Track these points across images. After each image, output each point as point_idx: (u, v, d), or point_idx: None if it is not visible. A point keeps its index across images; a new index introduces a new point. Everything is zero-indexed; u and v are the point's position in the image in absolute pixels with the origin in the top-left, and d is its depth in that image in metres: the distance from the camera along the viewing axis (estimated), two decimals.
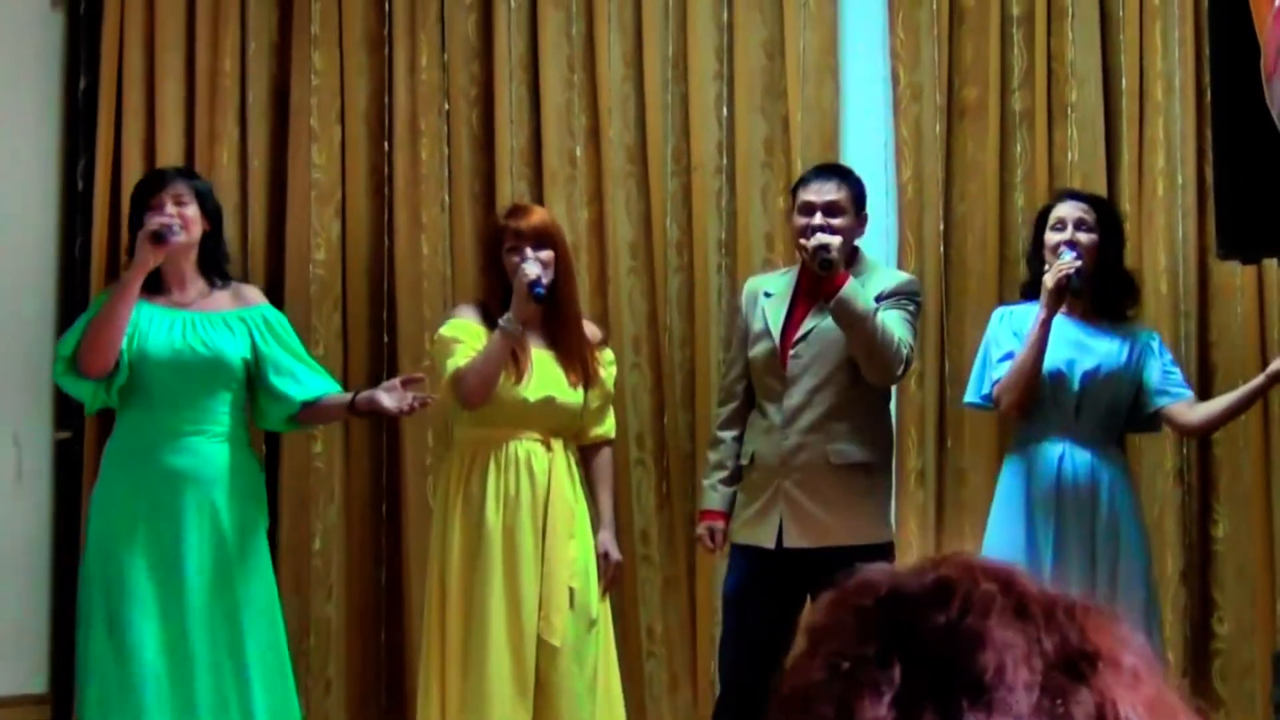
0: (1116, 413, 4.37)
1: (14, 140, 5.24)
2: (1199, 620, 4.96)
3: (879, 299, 4.30)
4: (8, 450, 5.14)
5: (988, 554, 4.24)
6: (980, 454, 5.00)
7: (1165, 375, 4.40)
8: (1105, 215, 4.42)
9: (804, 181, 4.40)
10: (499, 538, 4.26)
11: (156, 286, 4.28)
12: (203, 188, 4.37)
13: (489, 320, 4.34)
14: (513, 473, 4.28)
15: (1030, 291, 4.40)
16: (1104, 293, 4.40)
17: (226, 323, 4.31)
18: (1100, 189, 4.97)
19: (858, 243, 4.39)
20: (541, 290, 4.21)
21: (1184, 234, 5.00)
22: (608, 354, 4.54)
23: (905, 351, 4.29)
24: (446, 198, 5.26)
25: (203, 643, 4.18)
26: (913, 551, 4.99)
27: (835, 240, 4.23)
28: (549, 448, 4.32)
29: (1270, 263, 4.83)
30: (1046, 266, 4.29)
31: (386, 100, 5.31)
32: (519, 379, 4.29)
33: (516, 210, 4.46)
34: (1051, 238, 4.35)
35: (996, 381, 4.35)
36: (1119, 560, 4.29)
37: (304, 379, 4.37)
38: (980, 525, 4.95)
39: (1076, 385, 4.33)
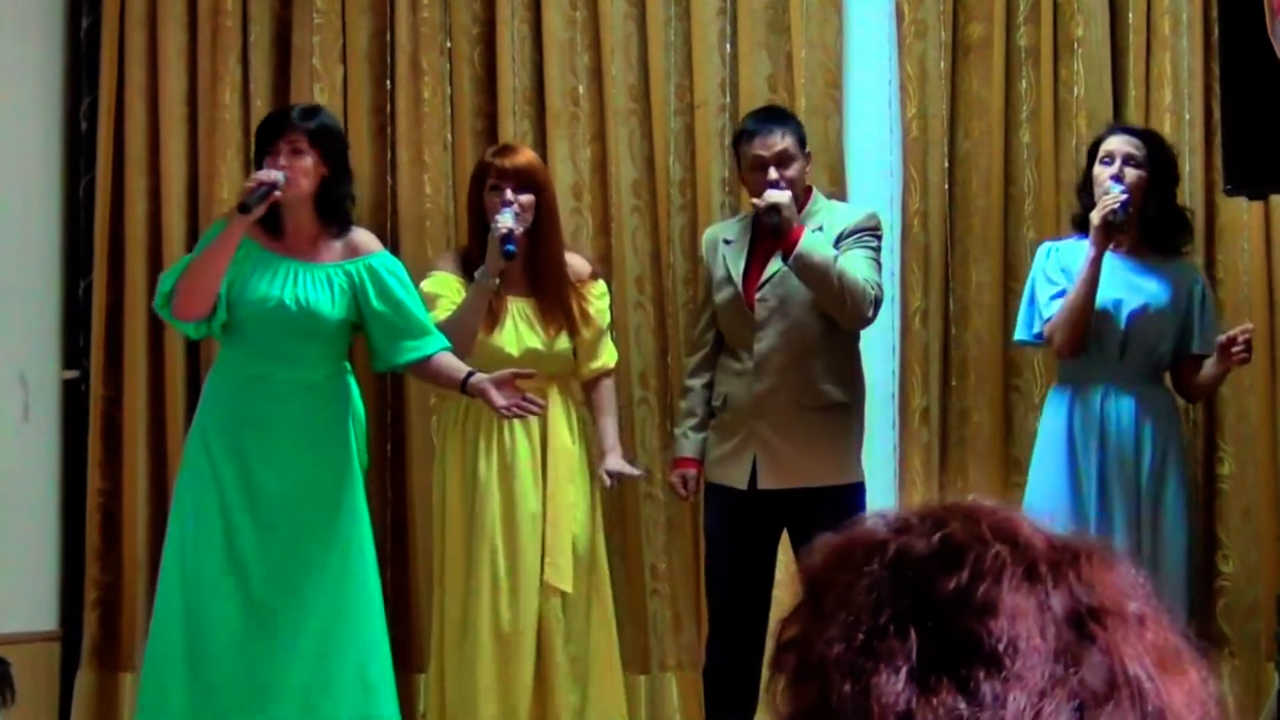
0: (1161, 353, 4.37)
1: (17, 80, 5.24)
2: (1204, 559, 4.94)
3: (841, 237, 4.33)
4: (15, 390, 5.17)
5: (1031, 491, 4.29)
6: (984, 393, 4.99)
7: (1203, 324, 4.41)
8: (1156, 150, 4.41)
9: (747, 135, 4.41)
10: (498, 495, 4.28)
11: (275, 226, 4.26)
12: (325, 130, 4.29)
13: (468, 269, 4.35)
14: (507, 429, 4.30)
15: (1080, 224, 4.40)
16: (1154, 229, 4.40)
17: (330, 278, 4.28)
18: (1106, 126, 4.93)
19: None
20: (513, 248, 4.20)
21: (1191, 170, 4.95)
22: (598, 287, 4.54)
23: (873, 292, 4.32)
24: (449, 137, 5.25)
25: (279, 595, 4.21)
26: (917, 490, 4.99)
27: (784, 197, 4.23)
28: (544, 397, 4.32)
29: (1278, 199, 4.79)
30: (1096, 201, 4.29)
31: (388, 39, 5.29)
32: (491, 327, 4.31)
33: (503, 149, 4.50)
34: (1100, 172, 4.35)
35: (1048, 320, 4.35)
36: (1162, 509, 4.29)
37: (396, 340, 4.30)
38: (982, 464, 4.96)
39: (1123, 324, 4.34)
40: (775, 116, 4.52)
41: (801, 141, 4.42)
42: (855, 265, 4.28)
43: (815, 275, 4.23)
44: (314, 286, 4.28)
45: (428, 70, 5.24)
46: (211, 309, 4.22)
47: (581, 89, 5.21)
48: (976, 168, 5.05)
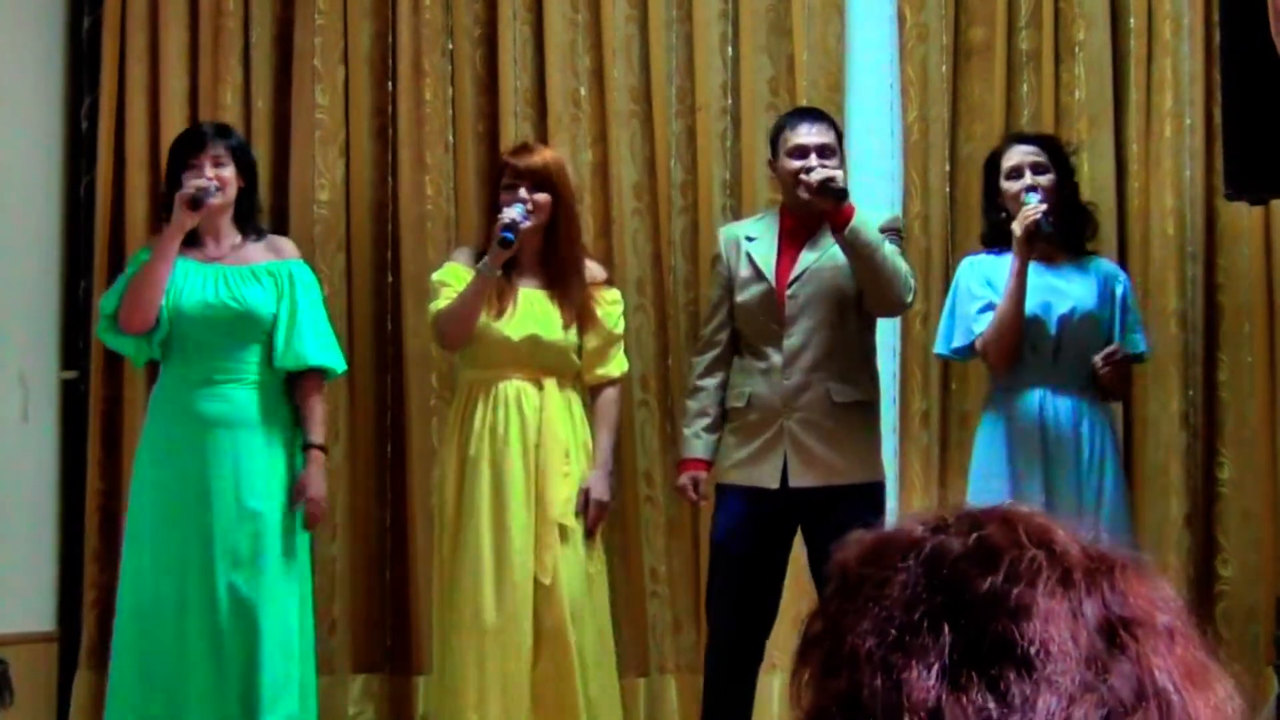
0: (1093, 354, 4.35)
1: (18, 80, 5.24)
2: (1203, 563, 4.95)
3: None
4: (14, 390, 5.16)
5: (972, 499, 4.26)
6: (983, 396, 4.97)
7: (1123, 321, 4.42)
8: (1055, 153, 4.43)
9: (789, 125, 4.40)
10: (488, 478, 4.28)
11: (192, 240, 4.38)
12: (238, 145, 4.45)
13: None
14: (502, 412, 4.30)
15: (992, 241, 4.42)
16: (1066, 229, 4.41)
17: (256, 275, 4.40)
18: (1108, 130, 4.94)
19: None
20: (511, 236, 4.21)
21: (1191, 175, 4.96)
22: (611, 293, 4.53)
23: (912, 281, 4.35)
24: (450, 138, 5.25)
25: (219, 586, 4.26)
26: (916, 493, 4.99)
27: (838, 173, 4.25)
28: (540, 387, 4.33)
29: (1278, 204, 4.79)
30: (1004, 215, 4.33)
31: (390, 41, 5.30)
32: (499, 315, 4.31)
33: (520, 148, 4.50)
34: (1010, 186, 4.37)
35: (977, 335, 4.36)
36: (1104, 506, 4.29)
37: (295, 347, 4.38)
38: None
39: (1054, 329, 4.34)
40: (817, 112, 4.53)
41: (840, 143, 4.42)
42: (893, 253, 4.30)
43: (866, 252, 4.21)
44: (247, 284, 4.39)
45: (429, 72, 5.24)
46: (156, 320, 4.32)
47: (583, 91, 5.21)
48: (977, 171, 5.02)
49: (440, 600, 4.39)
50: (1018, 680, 0.93)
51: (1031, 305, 4.32)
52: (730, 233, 4.53)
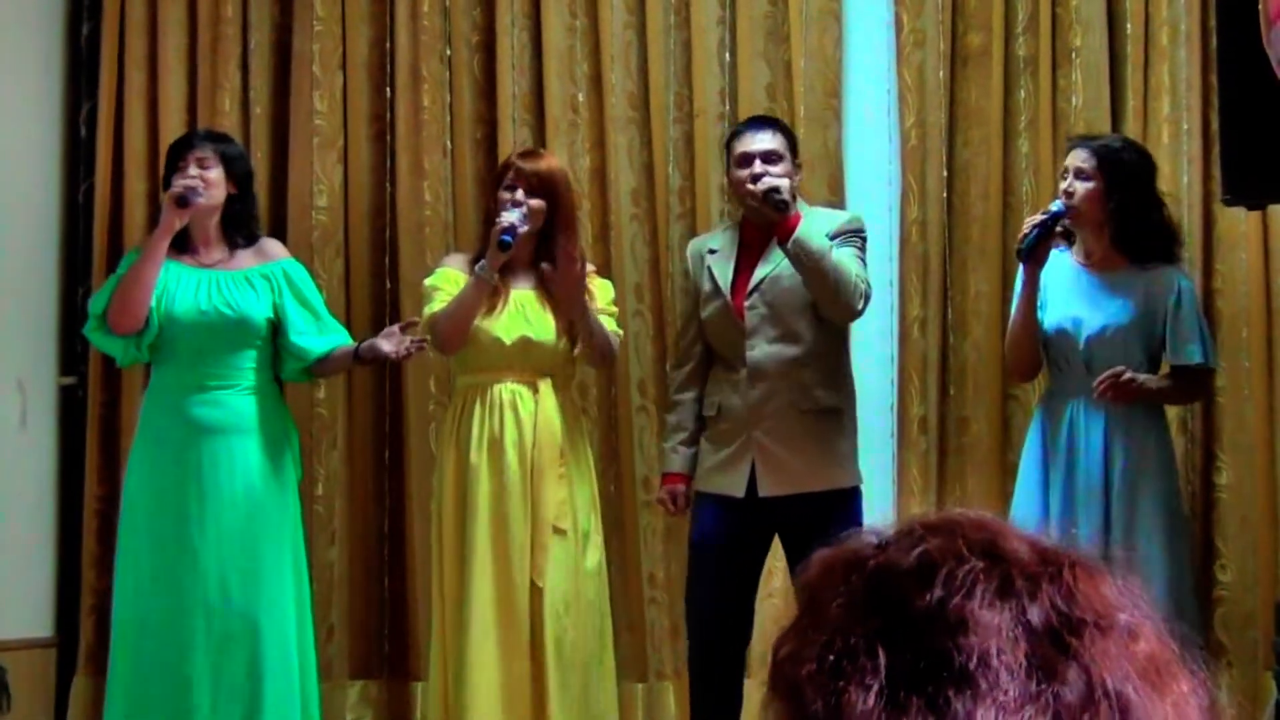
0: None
1: (17, 86, 5.25)
2: (1202, 569, 4.95)
3: (829, 239, 4.32)
4: (12, 396, 5.17)
5: (1015, 506, 4.24)
6: (982, 402, 4.99)
7: (1175, 332, 4.32)
8: (1108, 159, 4.30)
9: (737, 134, 4.45)
10: (487, 481, 4.29)
11: (183, 246, 4.42)
12: (230, 151, 4.48)
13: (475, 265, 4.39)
14: (498, 416, 4.32)
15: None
16: (1123, 238, 4.33)
17: (250, 281, 4.44)
18: None
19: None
20: (510, 239, 4.23)
21: (1189, 180, 4.97)
22: (601, 280, 4.57)
23: (863, 286, 4.33)
24: (448, 144, 5.26)
25: (215, 593, 4.28)
26: (915, 499, 5.00)
27: (784, 182, 4.26)
28: (535, 390, 4.34)
29: (1276, 209, 4.80)
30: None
31: (388, 47, 5.30)
32: (489, 313, 4.33)
33: (528, 152, 4.54)
34: (1059, 187, 4.34)
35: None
36: (1135, 528, 4.21)
37: (317, 334, 4.48)
38: (981, 472, 4.97)
39: (1082, 344, 4.30)
40: (765, 119, 4.55)
41: (792, 149, 4.42)
42: (844, 260, 4.29)
43: (811, 262, 4.21)
44: (238, 290, 4.43)
45: (427, 78, 5.25)
46: (144, 322, 4.35)
47: (581, 97, 5.22)
48: (975, 177, 5.06)
49: (438, 605, 4.39)
50: (958, 696, 0.93)
51: (1065, 317, 4.29)
52: (696, 246, 4.57)
